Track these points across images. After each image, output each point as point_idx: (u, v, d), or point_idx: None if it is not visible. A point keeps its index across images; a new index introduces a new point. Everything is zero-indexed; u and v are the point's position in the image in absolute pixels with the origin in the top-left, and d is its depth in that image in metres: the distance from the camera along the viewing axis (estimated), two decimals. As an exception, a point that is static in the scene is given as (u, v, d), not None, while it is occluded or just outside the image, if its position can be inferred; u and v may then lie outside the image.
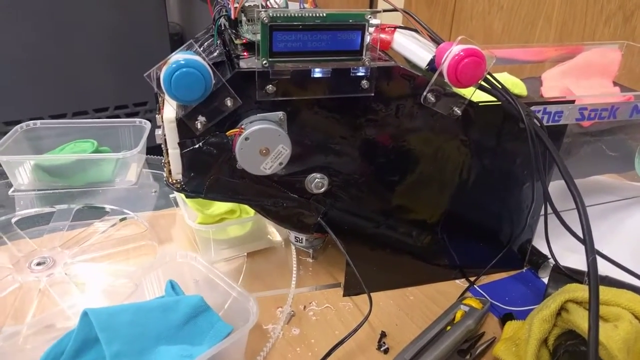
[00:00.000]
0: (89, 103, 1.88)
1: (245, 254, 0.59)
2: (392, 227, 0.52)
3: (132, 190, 0.71)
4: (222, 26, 0.49)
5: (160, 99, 0.45)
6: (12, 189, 0.69)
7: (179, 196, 0.61)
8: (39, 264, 0.55)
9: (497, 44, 1.11)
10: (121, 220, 0.64)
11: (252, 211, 0.58)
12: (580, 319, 0.39)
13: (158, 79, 0.39)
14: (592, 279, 0.34)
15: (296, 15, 0.38)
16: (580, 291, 0.42)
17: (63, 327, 0.44)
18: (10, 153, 0.68)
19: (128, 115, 1.95)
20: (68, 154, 0.70)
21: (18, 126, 0.73)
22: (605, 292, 0.41)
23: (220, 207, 0.57)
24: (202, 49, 0.48)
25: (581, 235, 0.38)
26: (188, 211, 0.58)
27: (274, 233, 0.62)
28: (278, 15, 0.37)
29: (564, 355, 0.41)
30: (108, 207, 0.66)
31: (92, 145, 0.72)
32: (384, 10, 0.54)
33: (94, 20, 1.78)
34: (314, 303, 0.53)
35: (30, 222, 0.63)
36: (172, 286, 0.48)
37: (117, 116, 1.94)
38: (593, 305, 0.34)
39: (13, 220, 0.63)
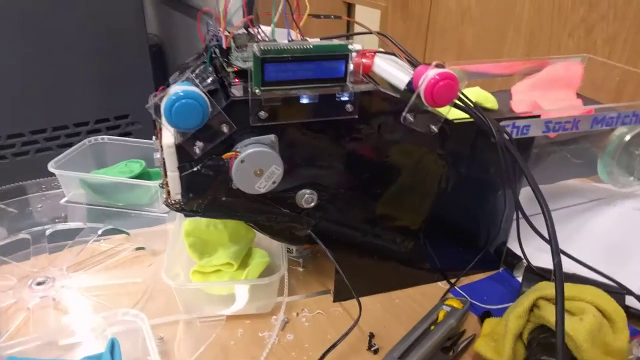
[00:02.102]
0: (69, 117, 1.87)
1: (225, 316, 0.54)
2: (377, 235, 0.56)
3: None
4: (214, 53, 0.52)
5: (157, 124, 0.48)
6: (64, 199, 0.74)
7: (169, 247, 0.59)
8: (39, 283, 0.57)
9: (469, 55, 1.16)
10: (137, 249, 0.65)
11: (251, 264, 0.57)
12: (549, 315, 0.44)
13: (157, 107, 0.42)
14: (558, 278, 0.38)
15: (285, 48, 0.42)
16: (549, 289, 0.46)
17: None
18: (70, 165, 0.73)
19: (109, 129, 1.95)
20: (105, 175, 0.73)
21: (86, 140, 0.78)
22: (571, 288, 0.46)
23: (219, 257, 0.55)
24: (194, 74, 0.52)
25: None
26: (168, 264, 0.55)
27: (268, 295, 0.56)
28: (269, 48, 0.41)
29: (537, 348, 0.45)
30: (132, 232, 0.67)
31: (140, 166, 0.74)
32: (362, 33, 0.59)
33: (72, 33, 1.78)
34: (306, 310, 0.56)
35: (63, 235, 0.66)
36: (112, 345, 0.47)
37: (99, 130, 1.94)
38: (559, 301, 0.38)
39: (47, 232, 0.66)
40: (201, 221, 0.57)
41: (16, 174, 1.03)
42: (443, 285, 0.60)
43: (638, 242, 0.57)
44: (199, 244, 0.56)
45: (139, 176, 0.74)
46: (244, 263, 0.57)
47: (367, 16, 1.57)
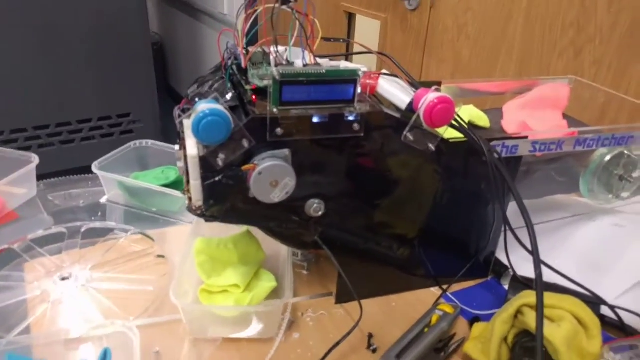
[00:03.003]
0: (72, 114, 1.90)
1: (221, 338, 0.56)
2: (377, 243, 0.60)
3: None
4: (232, 70, 0.56)
5: (181, 136, 0.52)
6: (104, 198, 0.79)
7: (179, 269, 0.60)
8: (63, 278, 0.61)
9: (465, 69, 1.21)
10: (158, 257, 0.68)
11: (258, 287, 0.58)
12: (532, 321, 0.48)
13: (182, 122, 0.47)
14: (538, 288, 0.43)
15: (301, 72, 0.46)
16: (532, 297, 0.50)
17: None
18: (114, 166, 0.77)
19: (111, 127, 1.99)
20: (139, 181, 0.76)
21: (131, 143, 0.82)
22: (551, 297, 0.50)
23: (227, 278, 0.57)
24: (213, 89, 0.56)
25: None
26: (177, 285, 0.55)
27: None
28: (287, 72, 0.45)
29: (519, 351, 0.50)
30: (156, 236, 0.71)
31: (176, 173, 0.77)
32: (365, 53, 0.63)
33: (76, 32, 1.81)
34: (310, 310, 0.60)
35: (96, 233, 0.71)
36: (105, 354, 0.49)
37: (101, 127, 1.97)
38: (539, 309, 0.43)
39: (82, 229, 0.70)
40: (212, 240, 0.60)
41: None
42: (436, 291, 0.65)
43: (614, 256, 0.62)
44: (208, 263, 0.58)
45: (173, 183, 0.76)
46: (251, 285, 0.58)
47: (367, 26, 1.62)
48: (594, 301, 0.55)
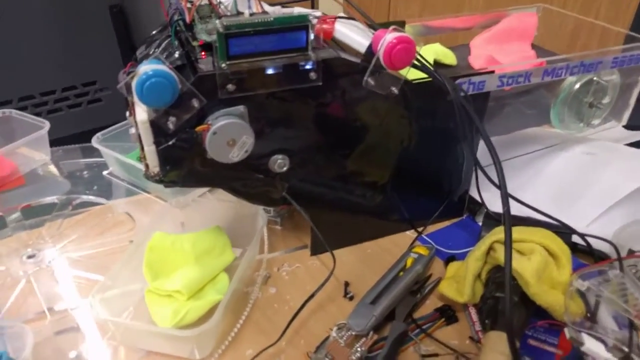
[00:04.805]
0: (34, 87, 1.83)
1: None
2: (348, 191, 0.60)
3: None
4: (178, 26, 0.53)
5: (130, 102, 0.50)
6: (107, 171, 0.77)
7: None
8: (29, 257, 0.60)
9: (432, 8, 1.17)
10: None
11: (202, 297, 0.53)
12: (503, 256, 0.48)
13: (128, 86, 0.44)
14: (507, 224, 0.43)
15: (247, 22, 0.43)
16: (503, 234, 0.50)
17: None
18: (113, 141, 0.75)
19: (78, 96, 1.92)
20: (128, 159, 0.72)
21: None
22: (522, 231, 0.51)
23: (172, 282, 0.53)
24: (160, 49, 0.53)
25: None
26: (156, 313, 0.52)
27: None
28: (232, 24, 0.43)
29: (492, 286, 0.50)
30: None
31: None
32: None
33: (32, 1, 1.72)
34: (286, 264, 0.60)
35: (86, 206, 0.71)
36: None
37: (67, 98, 1.90)
38: (507, 244, 0.43)
39: (74, 202, 0.70)
40: (169, 237, 0.57)
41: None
42: (411, 234, 0.65)
43: (585, 184, 0.62)
44: (158, 263, 0.55)
45: None
46: (199, 293, 0.54)
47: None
48: (564, 231, 0.55)
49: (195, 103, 0.45)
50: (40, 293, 0.57)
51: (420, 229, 0.65)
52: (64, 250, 0.62)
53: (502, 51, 0.68)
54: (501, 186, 0.46)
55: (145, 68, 0.42)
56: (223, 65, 0.44)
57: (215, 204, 0.66)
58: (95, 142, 0.73)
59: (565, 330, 0.42)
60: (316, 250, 0.62)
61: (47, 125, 0.75)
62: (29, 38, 1.77)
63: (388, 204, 0.64)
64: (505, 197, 0.45)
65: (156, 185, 0.65)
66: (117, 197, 0.73)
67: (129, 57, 0.52)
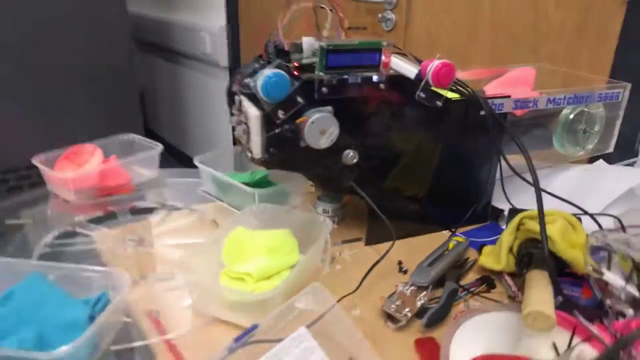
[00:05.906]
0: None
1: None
2: (391, 200, 0.73)
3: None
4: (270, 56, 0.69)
5: (236, 107, 0.65)
6: (202, 188, 0.88)
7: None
8: (131, 240, 0.72)
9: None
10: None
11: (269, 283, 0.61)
12: (532, 225, 0.62)
13: (247, 86, 0.60)
14: (538, 201, 0.57)
15: (341, 43, 0.60)
16: (530, 212, 0.64)
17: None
18: (213, 162, 0.85)
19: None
20: (222, 176, 0.81)
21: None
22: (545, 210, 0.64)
23: (245, 267, 0.60)
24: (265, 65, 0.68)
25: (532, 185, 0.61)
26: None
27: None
28: (331, 43, 0.59)
29: (523, 252, 0.62)
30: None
31: (261, 174, 0.82)
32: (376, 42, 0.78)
33: (74, 72, 1.90)
34: (346, 250, 0.72)
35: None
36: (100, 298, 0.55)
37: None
38: (540, 212, 0.56)
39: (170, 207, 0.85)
40: (247, 232, 0.66)
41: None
42: (446, 233, 0.78)
43: (586, 190, 0.77)
44: (235, 251, 0.63)
45: (256, 182, 0.81)
46: (267, 281, 0.61)
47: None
48: (578, 214, 0.68)
49: (300, 99, 0.60)
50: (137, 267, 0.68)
51: (453, 229, 0.78)
52: (158, 239, 0.74)
53: (510, 91, 0.85)
54: (534, 178, 0.60)
55: (267, 72, 0.58)
56: (321, 73, 0.60)
57: (286, 212, 0.75)
58: (196, 161, 0.84)
59: (587, 264, 0.54)
60: (371, 240, 0.74)
61: (159, 147, 0.93)
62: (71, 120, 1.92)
63: (424, 211, 0.77)
64: (538, 185, 0.59)
65: (240, 204, 0.80)
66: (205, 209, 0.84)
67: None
